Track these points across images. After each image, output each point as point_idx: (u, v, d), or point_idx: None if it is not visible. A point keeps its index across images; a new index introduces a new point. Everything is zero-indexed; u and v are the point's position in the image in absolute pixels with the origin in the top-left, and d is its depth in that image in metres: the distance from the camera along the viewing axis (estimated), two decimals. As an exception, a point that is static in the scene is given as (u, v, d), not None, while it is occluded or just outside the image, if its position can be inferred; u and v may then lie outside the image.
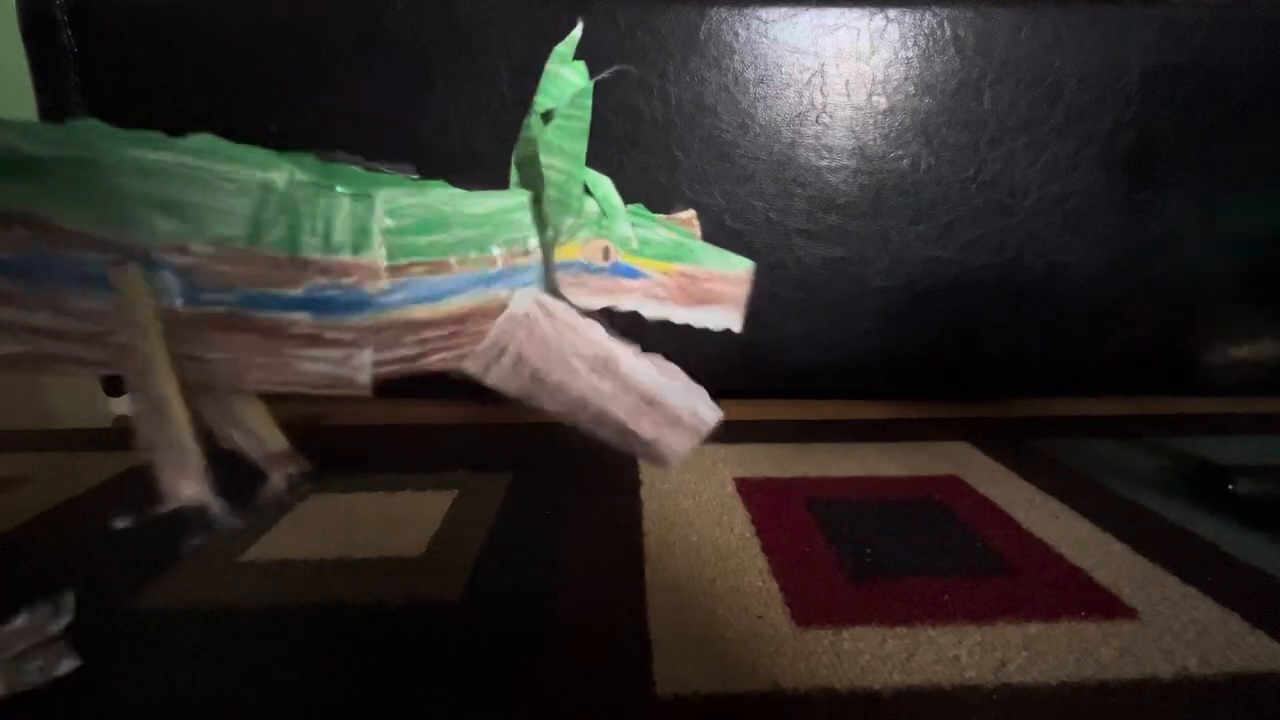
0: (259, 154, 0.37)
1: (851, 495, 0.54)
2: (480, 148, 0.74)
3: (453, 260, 0.38)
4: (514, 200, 0.40)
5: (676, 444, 0.42)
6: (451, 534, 0.47)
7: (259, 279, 0.36)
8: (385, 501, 0.53)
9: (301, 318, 0.37)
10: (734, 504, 0.52)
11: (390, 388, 0.41)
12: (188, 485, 0.37)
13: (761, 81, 0.72)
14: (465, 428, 0.73)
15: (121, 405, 0.81)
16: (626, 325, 0.43)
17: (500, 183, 0.42)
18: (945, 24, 0.71)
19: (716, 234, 0.76)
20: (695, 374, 0.84)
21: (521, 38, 0.72)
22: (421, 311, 0.38)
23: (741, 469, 0.59)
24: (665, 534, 0.47)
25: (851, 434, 0.69)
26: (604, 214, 0.41)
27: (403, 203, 0.38)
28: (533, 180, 0.39)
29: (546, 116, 0.38)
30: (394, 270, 0.37)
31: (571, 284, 0.40)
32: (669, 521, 0.49)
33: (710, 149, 0.74)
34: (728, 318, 0.44)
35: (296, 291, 0.36)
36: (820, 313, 0.76)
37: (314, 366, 0.38)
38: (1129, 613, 0.38)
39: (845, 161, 0.74)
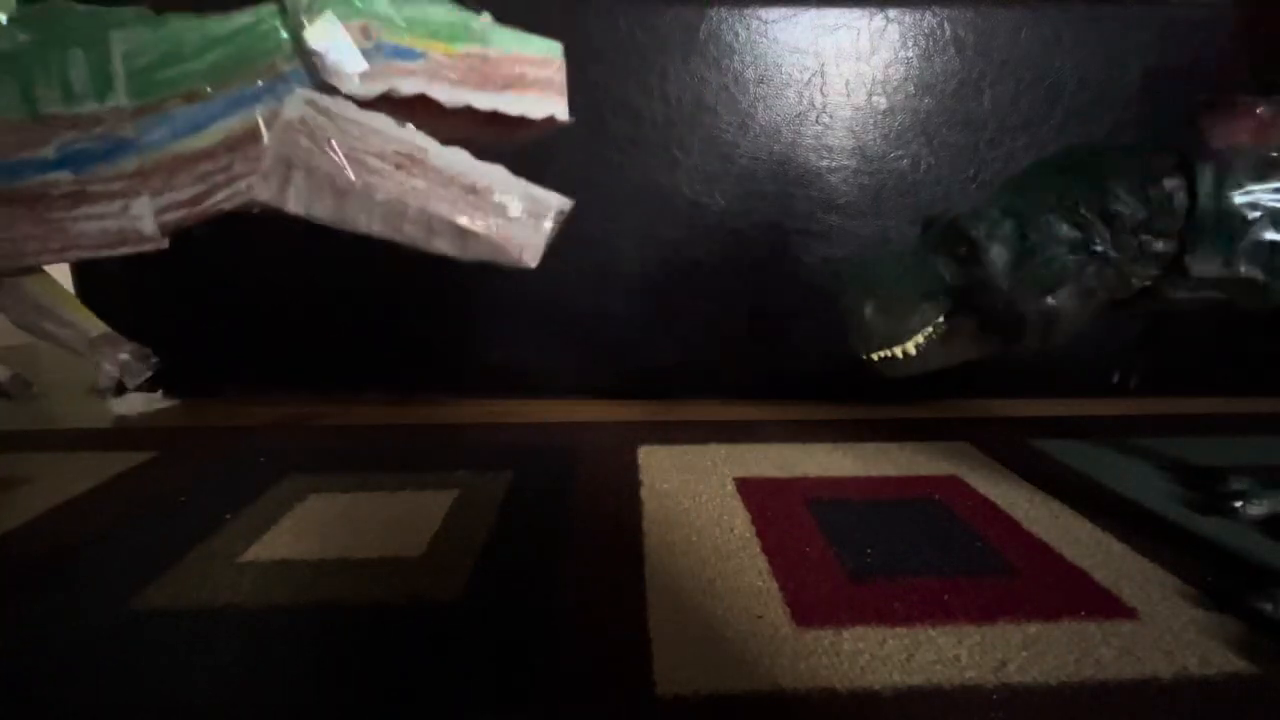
0: None
1: (851, 495, 0.54)
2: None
3: (208, 87, 0.36)
4: (259, 13, 0.37)
5: (521, 234, 0.39)
6: (451, 534, 0.47)
7: (4, 148, 0.35)
8: (385, 501, 0.53)
9: (62, 176, 0.36)
10: (734, 504, 0.52)
11: (183, 232, 0.38)
12: None
13: (761, 81, 0.72)
14: (465, 428, 0.73)
15: (121, 405, 0.81)
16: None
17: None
18: (945, 24, 0.71)
19: (716, 234, 0.76)
20: (695, 374, 0.84)
21: (521, 38, 0.71)
22: (188, 145, 0.36)
23: (741, 469, 0.59)
24: (665, 534, 0.47)
25: (851, 434, 0.69)
26: None
27: (143, 39, 0.36)
28: None
29: None
30: (147, 109, 0.35)
31: (338, 69, 0.36)
32: (669, 521, 0.49)
33: (710, 149, 0.74)
34: (545, 103, 0.40)
35: (48, 152, 0.35)
36: (820, 313, 0.76)
37: (90, 225, 0.37)
38: (1129, 613, 0.38)
39: (845, 161, 0.74)
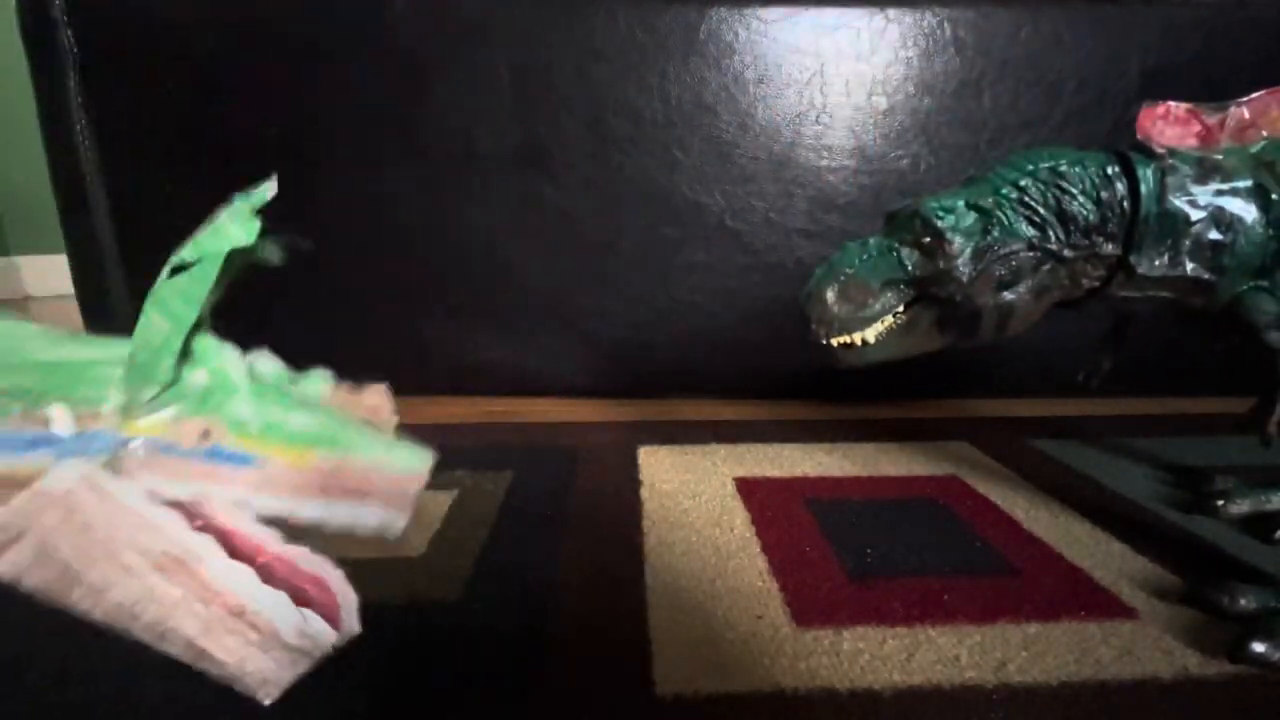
0: None
1: (851, 495, 0.54)
2: (480, 148, 0.74)
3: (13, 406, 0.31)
4: (103, 352, 0.33)
5: (271, 670, 0.34)
6: (451, 534, 0.47)
7: None
8: (385, 501, 0.52)
9: None
10: (734, 504, 0.52)
11: None
12: None
13: (761, 81, 0.72)
14: (465, 428, 0.73)
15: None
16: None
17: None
18: (945, 24, 0.71)
19: (717, 234, 0.76)
20: (695, 374, 0.84)
21: (521, 38, 0.72)
22: None
23: (741, 469, 0.59)
24: (665, 534, 0.47)
25: (851, 434, 0.69)
26: (216, 390, 0.34)
27: None
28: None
29: (176, 269, 0.32)
30: None
31: (141, 465, 0.33)
32: (669, 521, 0.49)
33: (710, 149, 0.74)
34: (387, 517, 0.37)
35: None
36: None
37: None
38: (1129, 613, 0.38)
39: (845, 161, 0.74)
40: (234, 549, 0.33)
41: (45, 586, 0.32)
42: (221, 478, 0.34)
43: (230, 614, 0.33)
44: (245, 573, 0.33)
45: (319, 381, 0.38)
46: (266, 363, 0.37)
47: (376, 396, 0.39)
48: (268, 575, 0.33)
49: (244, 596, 0.33)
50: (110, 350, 0.34)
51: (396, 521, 0.36)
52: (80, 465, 0.32)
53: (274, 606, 0.33)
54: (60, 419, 0.32)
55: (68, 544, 0.32)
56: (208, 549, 0.33)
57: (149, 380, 0.33)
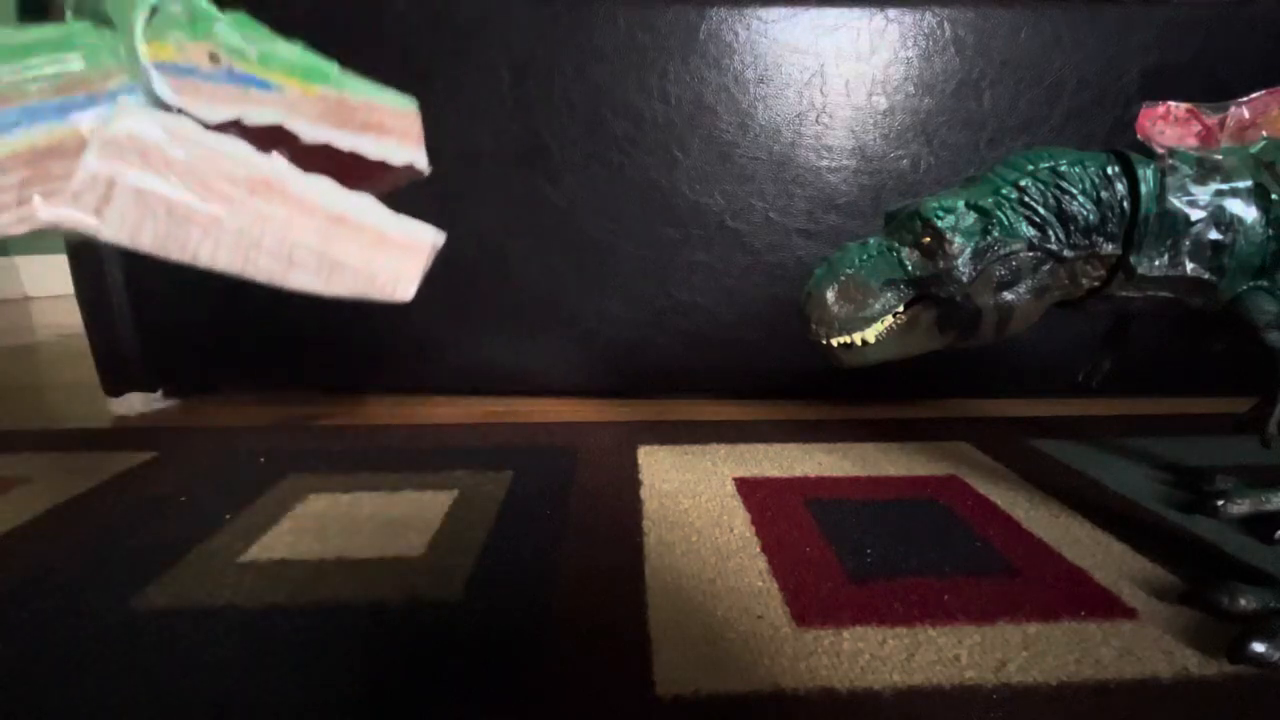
0: None
1: (851, 495, 0.54)
2: (480, 148, 0.74)
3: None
4: (71, 29, 0.32)
5: (397, 266, 0.34)
6: (451, 534, 0.47)
7: None
8: (385, 501, 0.53)
9: None
10: (734, 504, 0.52)
11: None
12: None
13: (761, 81, 0.72)
14: (465, 428, 0.73)
15: (121, 405, 0.81)
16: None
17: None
18: (945, 24, 0.71)
19: (717, 234, 0.76)
20: (695, 374, 0.85)
21: (521, 38, 0.72)
22: None
23: (741, 469, 0.59)
24: (665, 534, 0.47)
25: (851, 434, 0.69)
26: (194, 18, 0.33)
27: None
28: None
29: None
30: None
31: (181, 89, 0.32)
32: (669, 521, 0.49)
33: (710, 149, 0.74)
34: (405, 150, 0.37)
35: None
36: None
37: None
38: (1129, 613, 0.38)
39: (845, 161, 0.74)
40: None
41: (162, 240, 0.32)
42: (254, 100, 0.34)
43: (334, 222, 0.34)
44: (327, 182, 0.34)
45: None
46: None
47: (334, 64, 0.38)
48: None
49: (337, 204, 0.34)
50: (65, 30, 0.31)
51: (419, 156, 0.38)
52: (130, 107, 0.31)
53: (368, 207, 0.35)
54: (73, 81, 0.30)
55: (161, 185, 0.31)
56: (284, 165, 0.34)
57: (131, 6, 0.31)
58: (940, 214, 0.42)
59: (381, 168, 0.38)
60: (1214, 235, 0.42)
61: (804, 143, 0.74)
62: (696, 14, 0.71)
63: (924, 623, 0.37)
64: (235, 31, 0.34)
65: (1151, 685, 0.32)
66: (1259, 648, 0.33)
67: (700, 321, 0.79)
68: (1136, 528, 0.48)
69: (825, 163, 0.74)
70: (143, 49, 0.32)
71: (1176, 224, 0.42)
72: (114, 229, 0.31)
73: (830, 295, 0.44)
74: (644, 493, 0.54)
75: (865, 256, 0.44)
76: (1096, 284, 0.45)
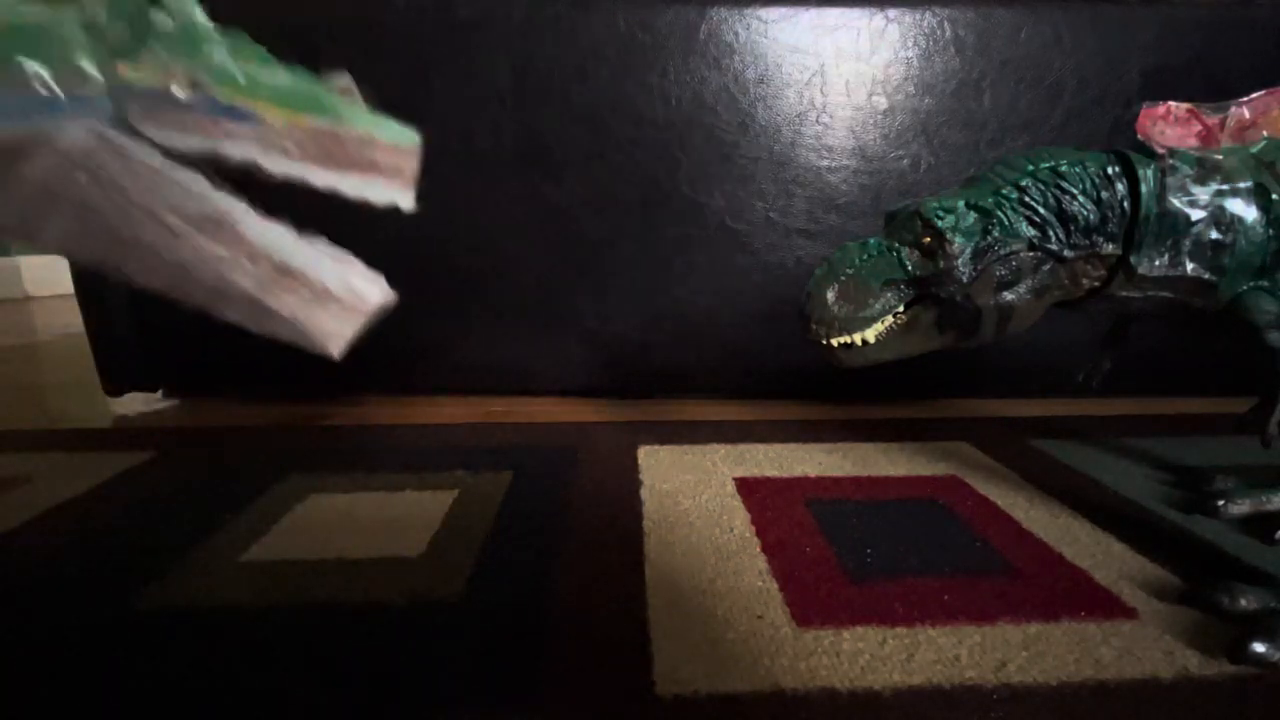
0: None
1: (851, 495, 0.54)
2: (480, 148, 0.74)
3: None
4: (57, 15, 0.30)
5: (331, 324, 0.34)
6: (451, 534, 0.47)
7: None
8: (385, 501, 0.53)
9: None
10: (734, 504, 0.52)
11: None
12: None
13: (761, 81, 0.72)
14: (465, 428, 0.73)
15: (121, 405, 0.81)
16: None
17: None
18: (945, 24, 0.71)
19: (717, 234, 0.76)
20: (695, 374, 0.84)
21: (521, 38, 0.72)
22: None
23: (741, 469, 0.59)
24: (665, 534, 0.47)
25: (851, 434, 0.69)
26: (185, 36, 0.32)
27: None
28: None
29: None
30: None
31: (148, 118, 0.31)
32: (669, 521, 0.49)
33: (710, 149, 0.74)
34: (391, 192, 0.37)
35: None
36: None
37: None
38: (1129, 613, 0.38)
39: (845, 161, 0.74)
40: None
41: (100, 256, 0.32)
42: (227, 133, 0.33)
43: (278, 273, 0.33)
44: (282, 231, 0.34)
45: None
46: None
47: (344, 80, 0.37)
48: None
49: (286, 255, 0.33)
50: (55, 11, 0.30)
51: (404, 197, 0.37)
52: (91, 123, 0.30)
53: (320, 260, 0.34)
54: (41, 78, 0.29)
55: (107, 205, 0.30)
56: (239, 206, 0.33)
57: (119, 15, 0.31)
58: (940, 214, 0.42)
59: (361, 205, 0.37)
60: (1214, 235, 0.42)
61: (804, 143, 0.74)
62: (696, 14, 0.71)
63: (924, 623, 0.37)
64: (227, 54, 0.33)
65: (1152, 685, 0.32)
66: (1260, 648, 0.33)
67: (700, 321, 0.79)
68: (1136, 528, 0.48)
69: (825, 163, 0.74)
70: (120, 66, 0.31)
71: (1177, 224, 0.42)
72: (53, 240, 0.31)
73: (830, 295, 0.44)
74: (644, 493, 0.54)
75: (865, 256, 0.44)
76: (1097, 284, 0.45)
